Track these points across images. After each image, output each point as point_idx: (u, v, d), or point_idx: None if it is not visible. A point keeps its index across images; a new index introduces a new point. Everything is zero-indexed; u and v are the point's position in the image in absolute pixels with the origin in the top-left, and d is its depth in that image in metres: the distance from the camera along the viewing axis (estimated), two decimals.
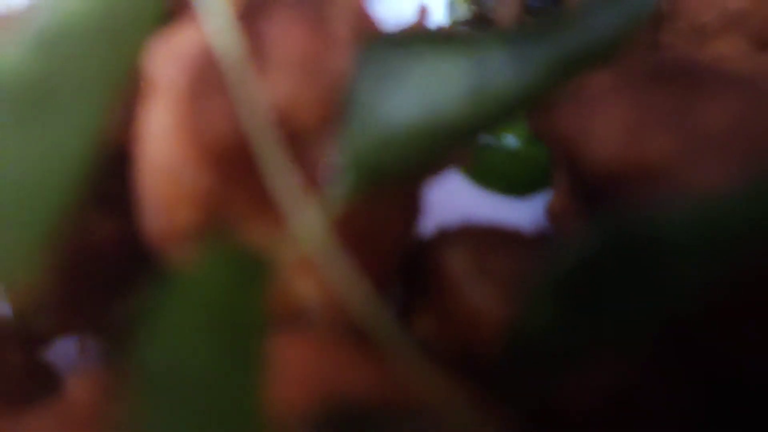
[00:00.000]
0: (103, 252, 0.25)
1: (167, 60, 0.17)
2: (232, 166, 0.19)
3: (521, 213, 0.29)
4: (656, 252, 0.14)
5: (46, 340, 0.27)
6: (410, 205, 0.22)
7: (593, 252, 0.15)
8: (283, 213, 0.16)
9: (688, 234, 0.14)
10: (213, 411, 0.14)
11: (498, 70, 0.18)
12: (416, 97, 0.18)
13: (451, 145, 0.18)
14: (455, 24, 0.26)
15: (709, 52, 0.27)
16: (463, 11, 0.25)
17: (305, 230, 0.16)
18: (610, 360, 0.16)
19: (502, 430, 0.15)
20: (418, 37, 0.18)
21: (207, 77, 0.17)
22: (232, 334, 0.15)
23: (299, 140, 0.17)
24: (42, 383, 0.27)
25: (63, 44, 0.16)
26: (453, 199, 0.24)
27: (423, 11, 0.21)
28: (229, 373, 0.15)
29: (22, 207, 0.17)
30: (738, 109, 0.17)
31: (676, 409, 0.17)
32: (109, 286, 0.26)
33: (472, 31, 0.23)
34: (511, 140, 0.29)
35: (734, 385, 0.17)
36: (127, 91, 0.17)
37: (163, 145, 0.19)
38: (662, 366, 0.17)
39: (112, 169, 0.24)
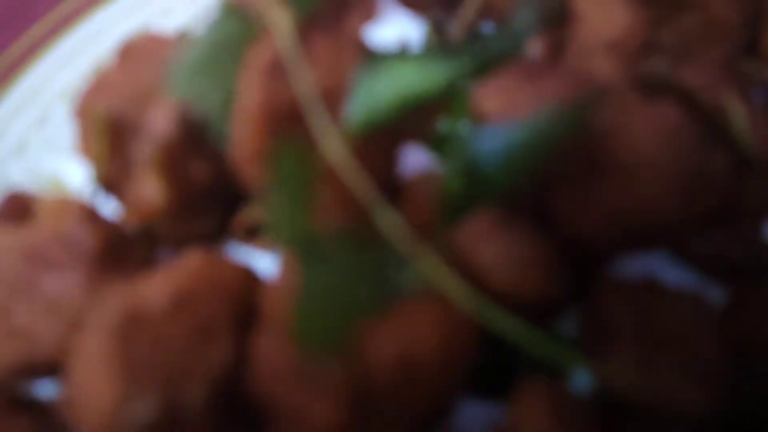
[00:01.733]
0: (202, 181, 0.41)
1: (258, 54, 0.33)
2: (286, 120, 0.34)
3: None
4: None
5: (158, 243, 0.43)
6: (391, 154, 0.37)
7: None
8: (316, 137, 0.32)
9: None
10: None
11: (436, 71, 0.33)
12: (392, 84, 0.34)
13: (411, 110, 0.33)
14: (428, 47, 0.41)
15: (593, 66, 0.42)
16: (432, 39, 0.41)
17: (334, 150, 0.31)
18: None
19: None
20: (394, 53, 0.34)
21: (278, 66, 0.33)
22: None
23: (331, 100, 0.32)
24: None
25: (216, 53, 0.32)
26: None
27: (404, 42, 0.37)
28: None
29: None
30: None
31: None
32: (205, 204, 0.41)
33: (430, 49, 0.38)
34: None
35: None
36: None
37: (250, 106, 0.34)
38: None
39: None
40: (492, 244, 0.35)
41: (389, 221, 0.31)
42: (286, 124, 0.31)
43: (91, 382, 0.32)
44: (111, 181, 0.40)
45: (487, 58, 0.34)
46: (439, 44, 0.41)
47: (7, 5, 0.54)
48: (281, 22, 0.34)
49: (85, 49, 0.52)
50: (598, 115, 0.32)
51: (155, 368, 0.31)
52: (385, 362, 0.29)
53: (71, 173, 0.47)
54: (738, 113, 0.43)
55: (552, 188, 0.33)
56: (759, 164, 0.42)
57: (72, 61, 0.52)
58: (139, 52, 0.39)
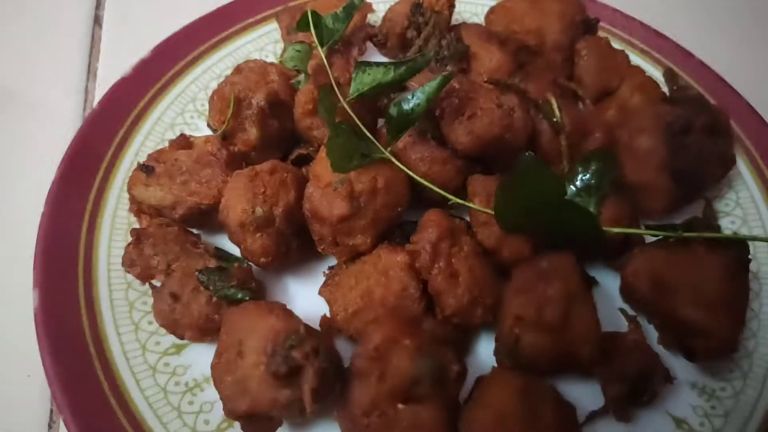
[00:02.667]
0: (274, 131, 0.82)
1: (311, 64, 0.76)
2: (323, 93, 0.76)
3: None
4: None
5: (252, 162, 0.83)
6: (372, 109, 0.78)
7: None
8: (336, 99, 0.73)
9: None
10: None
11: (390, 72, 0.75)
12: (370, 77, 0.75)
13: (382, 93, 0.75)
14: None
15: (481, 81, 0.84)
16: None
17: (344, 104, 0.73)
18: None
19: None
20: (371, 64, 0.76)
21: (320, 68, 0.75)
22: None
23: (344, 83, 0.74)
24: None
25: None
26: None
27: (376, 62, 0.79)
28: None
29: None
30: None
31: None
32: (275, 144, 0.82)
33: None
34: None
35: None
36: None
37: (308, 87, 0.76)
38: None
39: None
40: (415, 150, 0.75)
41: (369, 134, 0.72)
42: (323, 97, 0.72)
43: (232, 203, 0.71)
44: (232, 130, 0.81)
45: (412, 69, 0.75)
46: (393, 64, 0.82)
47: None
48: (321, 50, 0.76)
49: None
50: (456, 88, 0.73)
51: (263, 197, 0.71)
52: (367, 186, 0.69)
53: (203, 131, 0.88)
54: (553, 104, 0.83)
55: (440, 124, 0.74)
56: (562, 127, 0.82)
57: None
58: (248, 68, 0.82)
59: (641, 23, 1.04)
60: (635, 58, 1.00)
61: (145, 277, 0.72)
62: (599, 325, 0.66)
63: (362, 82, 0.75)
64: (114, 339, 0.71)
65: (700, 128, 0.80)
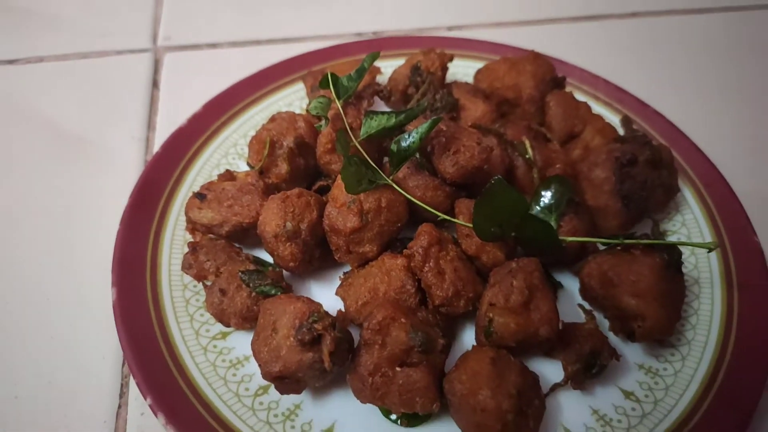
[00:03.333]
0: (300, 166, 1.02)
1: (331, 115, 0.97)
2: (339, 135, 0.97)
3: None
4: None
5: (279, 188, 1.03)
6: (378, 149, 0.99)
7: None
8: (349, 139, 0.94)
9: None
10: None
11: (393, 119, 0.96)
12: (376, 122, 0.96)
13: (386, 135, 0.96)
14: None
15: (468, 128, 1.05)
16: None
17: (356, 144, 0.94)
18: None
19: None
20: (378, 113, 0.97)
21: (337, 116, 0.96)
22: None
23: (355, 128, 0.95)
24: None
25: None
26: None
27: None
28: None
29: None
30: None
31: None
32: (302, 176, 1.03)
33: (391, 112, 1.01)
34: None
35: None
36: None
37: (327, 131, 0.97)
38: None
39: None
40: (412, 179, 0.95)
41: (374, 166, 0.92)
42: (340, 137, 0.93)
43: (268, 219, 0.91)
44: (267, 166, 1.02)
45: (410, 116, 0.96)
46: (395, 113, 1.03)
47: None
48: (338, 103, 0.97)
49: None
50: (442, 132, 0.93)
51: (292, 215, 0.91)
52: (374, 205, 0.89)
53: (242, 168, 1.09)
54: (526, 144, 1.03)
55: (431, 158, 0.94)
56: (534, 163, 1.02)
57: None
58: (281, 118, 1.03)
59: (604, 80, 1.25)
60: (599, 108, 1.21)
61: (199, 277, 0.92)
62: (556, 312, 0.83)
63: (370, 126, 0.97)
64: (174, 327, 0.90)
65: (644, 161, 0.99)
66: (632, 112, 1.20)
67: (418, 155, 0.96)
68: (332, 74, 1.01)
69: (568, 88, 1.21)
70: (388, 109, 1.18)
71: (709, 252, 0.92)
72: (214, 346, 0.89)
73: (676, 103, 1.27)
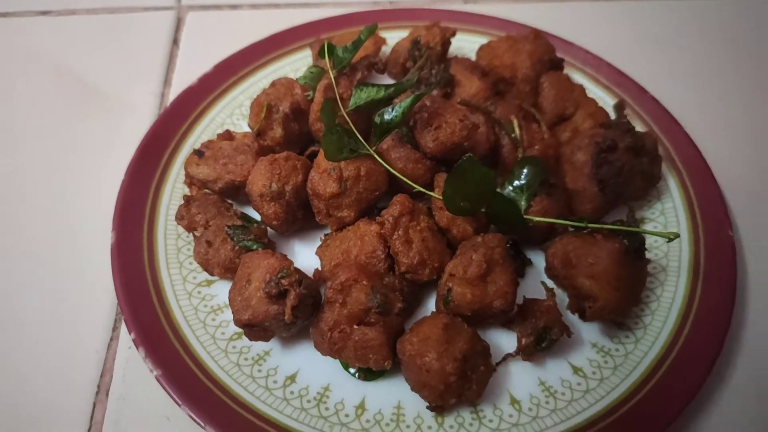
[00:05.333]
0: (294, 131, 1.08)
1: (322, 84, 1.02)
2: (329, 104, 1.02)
3: None
4: None
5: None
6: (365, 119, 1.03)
7: None
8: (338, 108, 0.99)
9: None
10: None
11: (381, 91, 1.01)
12: (365, 93, 1.01)
13: (375, 107, 1.00)
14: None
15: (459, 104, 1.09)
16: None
17: (344, 114, 0.98)
18: None
19: None
20: (368, 84, 1.02)
21: (328, 86, 1.01)
22: None
23: (345, 98, 1.00)
24: None
25: None
26: None
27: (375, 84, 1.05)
28: None
29: None
30: None
31: None
32: (297, 143, 1.09)
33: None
34: None
35: None
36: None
37: (317, 98, 1.02)
38: None
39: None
40: (395, 151, 0.99)
41: (358, 135, 0.97)
42: (325, 106, 0.98)
43: (255, 179, 0.98)
44: (263, 129, 1.08)
45: (398, 90, 1.01)
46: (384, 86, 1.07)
47: None
48: (331, 73, 1.02)
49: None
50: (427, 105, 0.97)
51: (279, 176, 0.97)
52: (353, 173, 0.94)
53: (244, 129, 1.16)
54: (515, 125, 1.06)
55: (414, 132, 0.98)
56: (520, 142, 1.05)
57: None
58: (279, 83, 1.09)
59: (607, 63, 1.25)
60: (598, 91, 1.22)
61: (189, 228, 0.99)
62: (513, 287, 0.88)
63: (359, 97, 1.01)
64: (165, 271, 0.98)
65: (624, 148, 1.01)
66: (629, 97, 1.20)
67: (403, 128, 1.01)
68: (329, 44, 1.06)
69: (569, 69, 1.23)
70: (390, 81, 1.22)
71: (668, 241, 0.94)
72: (198, 292, 0.98)
73: (680, 91, 1.27)
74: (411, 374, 0.84)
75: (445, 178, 0.91)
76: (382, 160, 0.98)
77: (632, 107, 1.19)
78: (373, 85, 1.02)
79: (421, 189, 0.96)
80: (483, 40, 1.30)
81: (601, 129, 1.05)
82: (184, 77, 1.33)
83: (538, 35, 1.19)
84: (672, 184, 1.09)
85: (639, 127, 1.16)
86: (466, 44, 1.32)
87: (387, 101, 1.02)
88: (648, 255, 1.00)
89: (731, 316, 0.92)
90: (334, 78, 1.03)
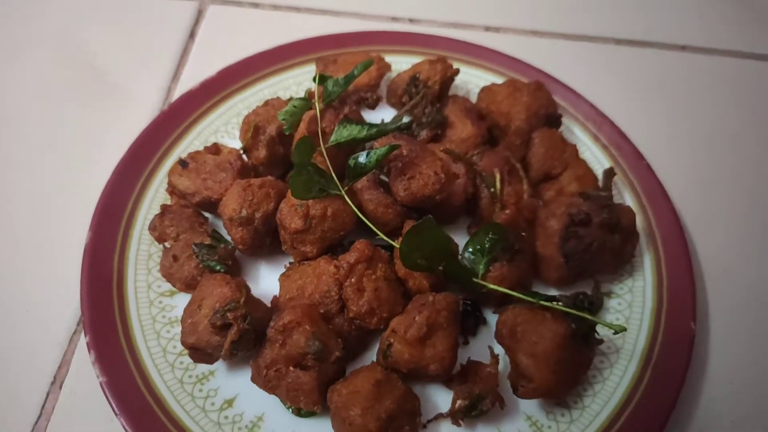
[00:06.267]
0: (279, 154, 1.10)
1: (306, 116, 1.03)
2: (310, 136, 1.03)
3: None
4: None
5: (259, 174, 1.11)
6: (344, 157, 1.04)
7: None
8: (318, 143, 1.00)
9: None
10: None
11: (364, 131, 1.01)
12: (348, 131, 1.02)
13: (355, 145, 1.01)
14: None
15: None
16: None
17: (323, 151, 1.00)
18: None
19: None
20: (352, 121, 1.02)
21: (312, 118, 1.02)
22: None
23: (326, 133, 1.01)
24: None
25: None
26: None
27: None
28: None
29: None
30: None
31: None
32: (281, 165, 1.10)
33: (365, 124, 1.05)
34: None
35: None
36: None
37: (300, 130, 1.03)
38: None
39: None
40: (368, 192, 1.00)
41: (332, 175, 0.98)
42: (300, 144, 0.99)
43: (228, 202, 1.00)
44: (249, 147, 1.10)
45: (380, 132, 1.01)
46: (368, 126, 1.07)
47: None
48: (317, 105, 1.03)
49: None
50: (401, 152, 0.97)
51: (250, 203, 0.99)
52: (319, 212, 0.95)
53: (230, 145, 1.18)
54: (496, 177, 1.06)
55: (389, 177, 0.99)
56: (497, 197, 1.05)
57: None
58: (271, 104, 1.10)
59: (611, 122, 1.22)
60: (596, 150, 1.20)
61: (160, 239, 1.03)
62: (452, 352, 0.89)
63: (341, 134, 1.02)
64: (131, 275, 1.03)
65: (597, 223, 0.99)
66: (625, 162, 1.18)
67: (383, 169, 1.01)
68: (321, 75, 1.06)
69: (571, 121, 1.21)
70: (391, 113, 1.23)
71: (614, 334, 0.93)
72: (160, 302, 1.02)
73: (683, 162, 1.24)
74: (336, 424, 0.87)
75: (405, 233, 0.92)
76: (355, 198, 0.99)
77: (625, 173, 1.17)
78: (357, 123, 1.03)
79: (384, 237, 0.97)
80: (491, 76, 1.29)
81: (579, 199, 1.03)
82: (193, 75, 1.35)
83: (539, 87, 1.17)
84: (647, 262, 1.07)
85: (628, 195, 1.15)
86: (473, 78, 1.30)
87: (368, 141, 1.03)
88: (606, 332, 1.00)
89: (673, 408, 0.92)
90: (320, 111, 1.04)
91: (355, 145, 1.03)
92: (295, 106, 1.05)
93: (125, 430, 0.87)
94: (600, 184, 1.12)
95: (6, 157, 1.23)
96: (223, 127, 1.22)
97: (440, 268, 0.94)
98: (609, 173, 1.11)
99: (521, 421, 0.93)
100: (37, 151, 1.24)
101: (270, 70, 1.29)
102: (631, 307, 1.04)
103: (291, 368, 0.87)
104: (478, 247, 0.97)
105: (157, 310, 1.01)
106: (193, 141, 1.19)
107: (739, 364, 1.03)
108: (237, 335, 0.87)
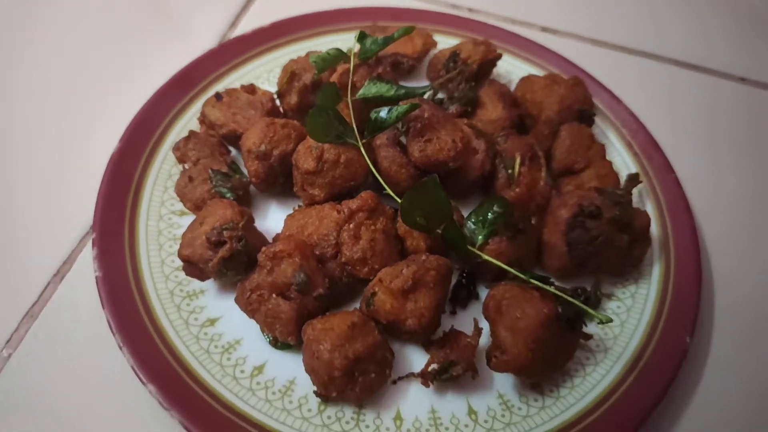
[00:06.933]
0: (310, 103, 1.13)
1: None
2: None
3: None
4: None
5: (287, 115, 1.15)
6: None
7: None
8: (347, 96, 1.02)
9: None
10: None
11: (396, 92, 1.03)
12: (377, 89, 1.04)
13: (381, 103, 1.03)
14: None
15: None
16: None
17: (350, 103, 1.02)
18: None
19: None
20: (386, 81, 1.04)
21: (345, 71, 1.05)
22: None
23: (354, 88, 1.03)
24: None
25: None
26: None
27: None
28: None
29: None
30: None
31: None
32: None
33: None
34: None
35: None
36: None
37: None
38: None
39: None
40: (385, 149, 1.02)
41: (352, 126, 1.00)
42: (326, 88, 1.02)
43: (249, 135, 1.03)
44: (283, 93, 1.14)
45: (407, 94, 1.03)
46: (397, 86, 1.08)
47: None
48: (353, 59, 1.05)
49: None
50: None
51: (270, 139, 1.02)
52: (332, 157, 0.98)
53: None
54: (516, 162, 1.05)
55: (407, 137, 1.00)
56: (513, 179, 1.04)
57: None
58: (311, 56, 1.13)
59: (646, 130, 1.20)
60: (626, 155, 1.18)
61: (180, 160, 1.07)
62: (432, 312, 0.89)
63: (369, 89, 1.04)
64: (149, 189, 1.07)
65: (607, 219, 0.97)
66: (654, 171, 1.15)
67: (403, 129, 1.02)
68: (362, 32, 1.09)
69: (606, 124, 1.19)
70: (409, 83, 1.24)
71: (598, 323, 0.90)
72: (169, 219, 1.06)
73: (717, 185, 1.21)
74: (305, 357, 0.88)
75: (409, 190, 0.93)
76: (371, 154, 1.01)
77: (651, 183, 1.14)
78: (387, 82, 1.05)
79: (391, 193, 0.98)
80: (534, 70, 1.29)
81: (594, 193, 1.02)
82: (251, 24, 1.40)
83: (578, 83, 1.16)
84: (656, 272, 1.04)
85: (650, 205, 1.12)
86: (516, 69, 1.30)
87: (394, 101, 1.04)
88: (597, 331, 0.98)
89: (647, 418, 0.88)
90: (355, 65, 1.07)
91: (381, 103, 1.05)
92: (329, 54, 1.08)
93: (109, 324, 0.90)
94: (621, 186, 1.09)
95: (66, 62, 1.32)
96: (265, 74, 1.27)
97: (439, 231, 0.95)
98: (633, 178, 1.09)
99: (492, 398, 0.92)
100: (93, 60, 1.33)
101: (321, 29, 1.32)
102: (629, 311, 1.01)
103: (273, 296, 0.89)
104: (481, 217, 0.96)
105: (165, 225, 1.05)
106: (235, 81, 1.24)
107: (733, 395, 0.98)
108: (228, 253, 0.89)
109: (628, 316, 1.00)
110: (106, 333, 0.91)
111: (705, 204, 1.18)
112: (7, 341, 0.96)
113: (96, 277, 0.94)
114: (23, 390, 0.91)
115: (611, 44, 1.47)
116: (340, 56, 1.08)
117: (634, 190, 1.13)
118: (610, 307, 1.02)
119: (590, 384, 0.93)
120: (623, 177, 1.11)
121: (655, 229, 1.09)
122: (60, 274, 1.03)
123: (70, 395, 0.90)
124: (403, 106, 0.97)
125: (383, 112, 0.98)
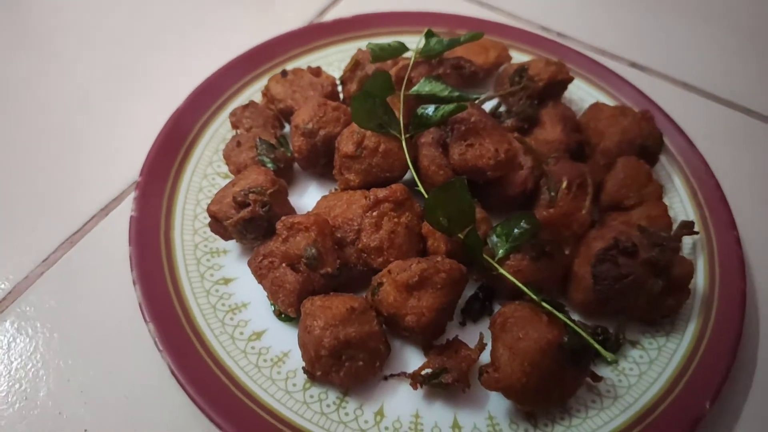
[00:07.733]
0: None
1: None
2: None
3: None
4: None
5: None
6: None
7: None
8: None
9: None
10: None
11: (450, 93, 1.03)
12: (431, 88, 1.04)
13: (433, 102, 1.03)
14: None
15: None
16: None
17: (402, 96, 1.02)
18: None
19: None
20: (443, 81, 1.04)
21: (404, 67, 1.05)
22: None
23: (409, 83, 1.04)
24: None
25: None
26: None
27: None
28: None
29: None
30: None
31: None
32: None
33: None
34: None
35: None
36: None
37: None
38: None
39: None
40: (427, 148, 1.01)
41: (397, 118, 1.00)
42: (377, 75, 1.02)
43: (300, 112, 1.06)
44: (345, 80, 1.16)
45: (462, 98, 1.02)
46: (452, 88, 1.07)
47: None
48: (414, 55, 1.06)
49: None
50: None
51: (319, 119, 1.04)
52: (372, 144, 0.98)
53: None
54: (563, 185, 1.01)
55: (450, 140, 0.99)
56: (554, 203, 1.00)
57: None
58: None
59: (716, 183, 1.11)
60: (687, 201, 1.10)
61: (234, 125, 1.12)
62: (434, 313, 0.86)
63: (424, 87, 1.04)
64: (201, 147, 1.13)
65: (642, 260, 0.91)
66: (714, 227, 1.07)
67: (449, 130, 1.01)
68: (429, 30, 1.09)
69: (672, 168, 1.12)
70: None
71: (609, 363, 0.83)
72: (213, 179, 1.11)
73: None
74: (300, 330, 0.88)
75: (434, 189, 0.91)
76: (413, 150, 1.01)
77: (710, 238, 1.05)
78: (444, 83, 1.04)
79: (422, 190, 0.97)
80: (609, 100, 1.24)
81: (636, 231, 0.95)
82: (338, 15, 1.45)
83: (646, 117, 1.10)
84: (690, 329, 0.96)
85: (702, 259, 1.04)
86: (590, 98, 1.26)
87: (447, 103, 1.03)
88: (611, 376, 0.92)
89: None
90: (415, 62, 1.07)
91: (433, 102, 1.04)
92: (389, 45, 1.08)
93: (130, 260, 0.95)
94: (672, 232, 1.02)
95: (153, 26, 1.42)
96: (336, 63, 1.30)
97: (461, 236, 0.92)
98: (686, 225, 1.01)
99: (481, 417, 0.88)
100: (176, 26, 1.42)
101: (400, 29, 1.34)
102: (651, 363, 0.93)
103: (283, 265, 0.91)
104: (506, 231, 0.93)
105: (207, 183, 1.09)
106: (306, 64, 1.28)
107: None
108: (249, 215, 0.92)
109: (649, 367, 0.93)
110: (129, 272, 0.95)
111: (763, 269, 1.07)
112: (44, 260, 1.03)
113: (130, 217, 1.00)
114: (46, 306, 0.97)
115: (701, 90, 1.38)
116: (399, 49, 1.09)
117: (689, 241, 1.06)
118: (632, 355, 0.95)
119: (588, 428, 0.87)
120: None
121: (701, 284, 1.00)
122: (106, 210, 1.10)
123: (83, 321, 0.96)
124: (449, 106, 0.96)
125: (429, 109, 0.98)
